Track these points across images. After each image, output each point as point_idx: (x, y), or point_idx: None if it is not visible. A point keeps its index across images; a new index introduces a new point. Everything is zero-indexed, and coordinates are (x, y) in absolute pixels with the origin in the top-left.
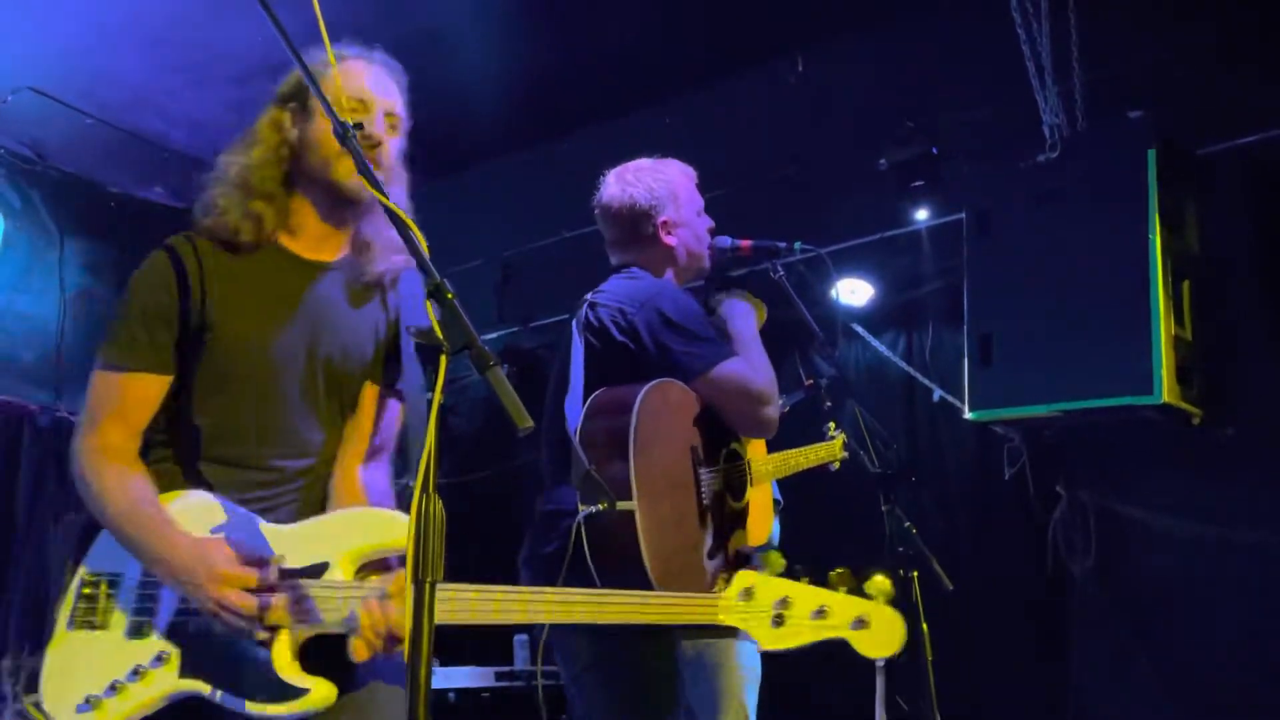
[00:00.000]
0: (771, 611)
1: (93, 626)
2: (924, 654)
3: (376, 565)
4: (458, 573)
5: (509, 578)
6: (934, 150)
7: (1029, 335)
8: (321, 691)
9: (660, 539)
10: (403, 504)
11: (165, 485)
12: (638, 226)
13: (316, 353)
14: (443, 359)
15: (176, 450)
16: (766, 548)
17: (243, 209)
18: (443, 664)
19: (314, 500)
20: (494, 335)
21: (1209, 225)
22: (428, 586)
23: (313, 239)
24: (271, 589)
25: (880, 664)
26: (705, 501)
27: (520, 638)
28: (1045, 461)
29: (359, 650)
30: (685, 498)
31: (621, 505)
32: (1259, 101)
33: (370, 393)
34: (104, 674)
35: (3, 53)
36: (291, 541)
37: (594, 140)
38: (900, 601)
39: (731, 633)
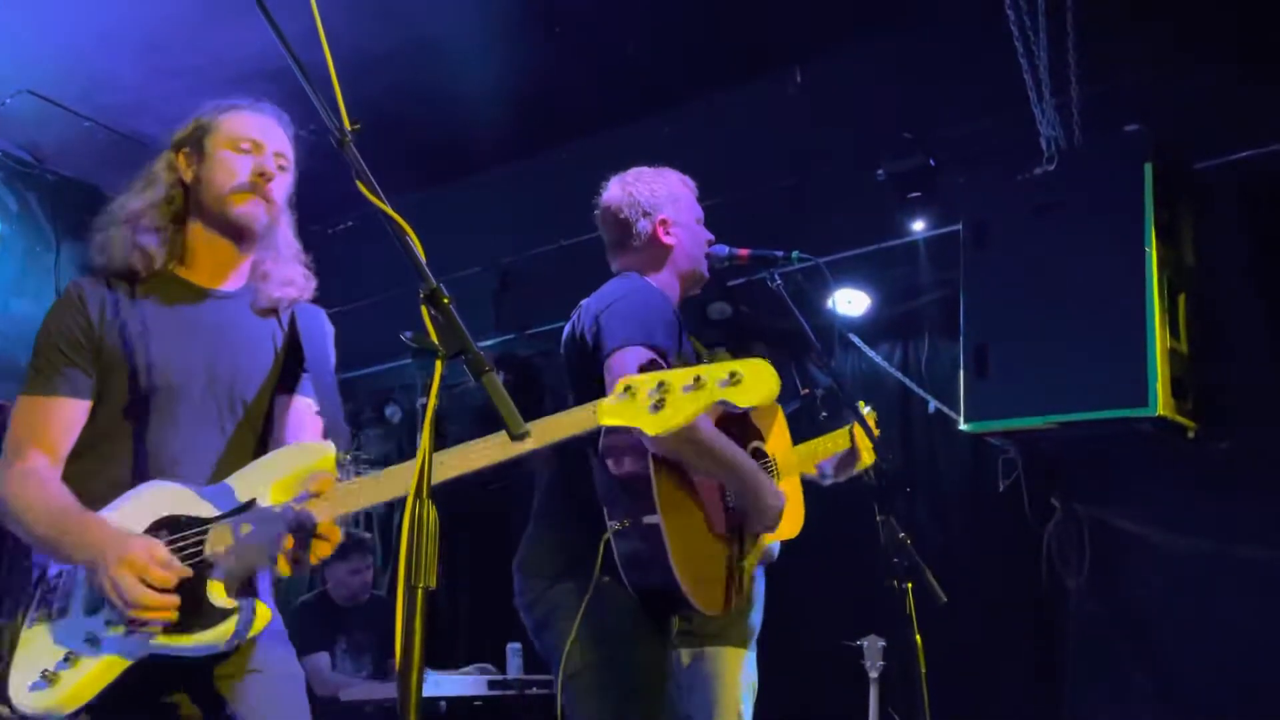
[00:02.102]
0: (649, 400)
1: (50, 617)
2: (918, 666)
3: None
4: (450, 578)
5: (503, 582)
6: (932, 162)
7: (1025, 347)
8: (260, 612)
9: (687, 547)
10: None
11: (90, 504)
12: (636, 226)
13: (217, 375)
14: (438, 364)
15: (96, 475)
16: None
17: (129, 244)
18: (434, 670)
19: None
20: (491, 342)
21: (1205, 239)
22: (420, 592)
23: (210, 268)
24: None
25: (874, 676)
26: (731, 504)
27: (513, 645)
28: (1040, 473)
29: (280, 561)
30: (710, 502)
31: (646, 520)
32: (1255, 117)
33: (281, 403)
34: (60, 649)
35: (1, 55)
36: (215, 496)
37: (592, 149)
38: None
39: (731, 640)
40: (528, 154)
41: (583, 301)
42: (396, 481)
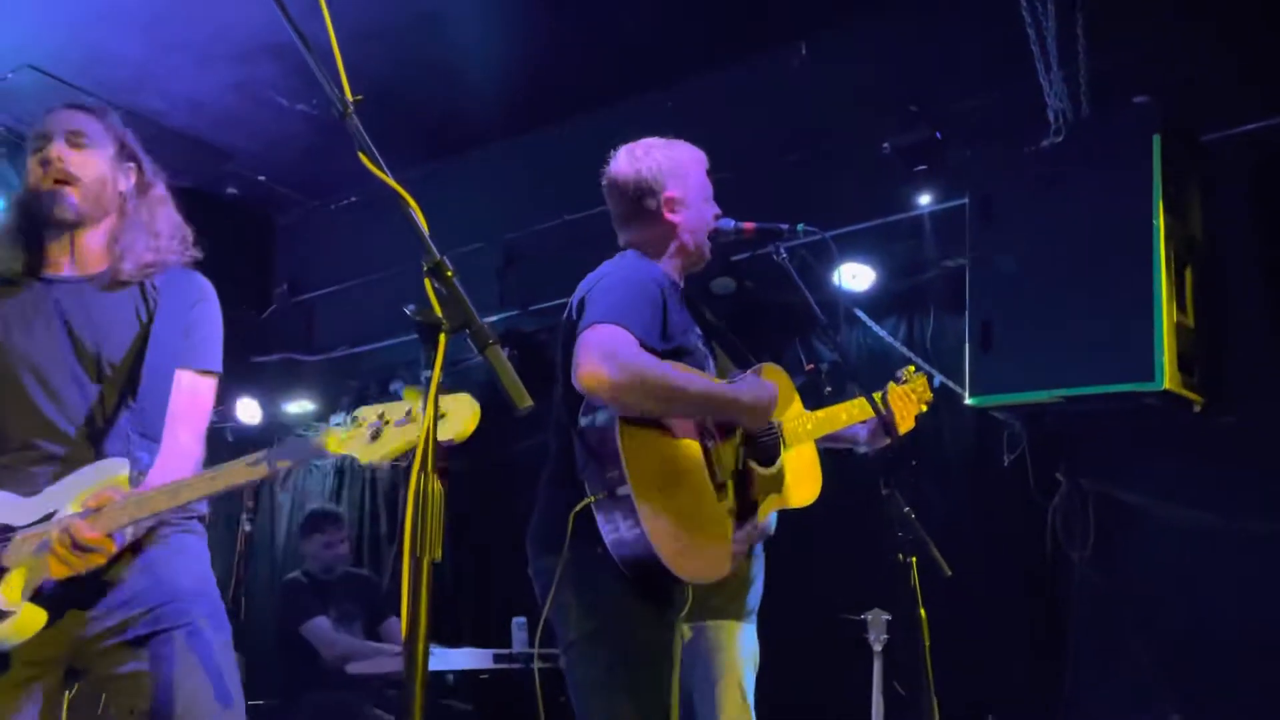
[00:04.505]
0: (369, 430)
1: None
2: (921, 640)
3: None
4: (457, 552)
5: (512, 557)
6: (937, 135)
7: (1030, 321)
8: (26, 615)
9: (663, 518)
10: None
11: None
12: (642, 201)
13: (77, 346)
14: (441, 337)
15: None
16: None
17: (8, 245)
18: (441, 646)
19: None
20: (495, 318)
21: (1212, 212)
22: (425, 564)
23: (62, 255)
24: None
25: (878, 650)
26: (719, 474)
27: (518, 620)
28: (1045, 448)
29: (52, 566)
30: (692, 474)
31: (619, 492)
32: (1264, 88)
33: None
34: None
35: (3, 30)
36: (30, 506)
37: (596, 124)
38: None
39: (729, 614)
40: (532, 128)
41: (584, 279)
42: (158, 500)
